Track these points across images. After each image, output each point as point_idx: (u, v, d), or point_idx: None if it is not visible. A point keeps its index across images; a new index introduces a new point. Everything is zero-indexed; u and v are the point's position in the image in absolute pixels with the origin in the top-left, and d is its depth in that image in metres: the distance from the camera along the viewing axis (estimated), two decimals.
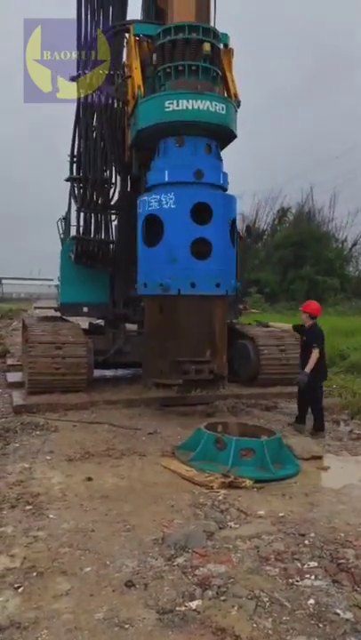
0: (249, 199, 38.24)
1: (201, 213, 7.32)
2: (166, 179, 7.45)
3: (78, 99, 9.11)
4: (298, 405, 7.40)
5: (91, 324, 11.86)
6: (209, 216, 7.35)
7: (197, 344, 7.49)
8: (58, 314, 10.73)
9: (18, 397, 8.29)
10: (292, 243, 33.85)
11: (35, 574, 3.38)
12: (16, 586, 3.25)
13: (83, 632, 2.82)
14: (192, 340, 7.47)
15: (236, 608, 3.03)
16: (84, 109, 9.08)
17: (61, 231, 11.21)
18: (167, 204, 7.24)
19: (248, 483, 5.04)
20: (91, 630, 2.84)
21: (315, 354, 6.93)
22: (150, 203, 7.46)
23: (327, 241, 36.31)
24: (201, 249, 7.34)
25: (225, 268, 7.56)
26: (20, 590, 3.21)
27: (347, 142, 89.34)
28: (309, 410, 7.22)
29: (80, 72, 9.10)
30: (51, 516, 4.26)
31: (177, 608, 3.04)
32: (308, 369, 6.91)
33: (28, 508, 4.41)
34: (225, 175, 7.81)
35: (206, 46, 7.38)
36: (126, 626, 2.88)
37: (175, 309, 7.48)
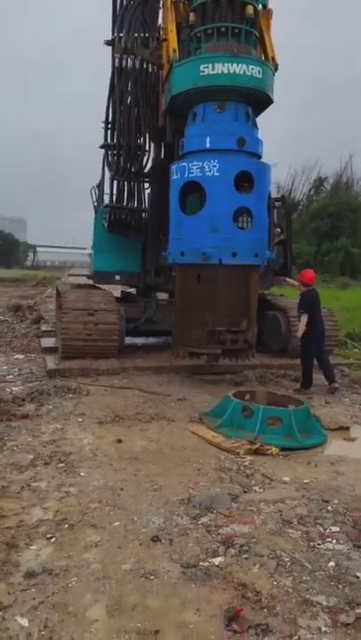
0: (285, 168, 37.38)
1: (241, 182, 7.24)
2: (208, 145, 7.29)
3: (113, 63, 9.00)
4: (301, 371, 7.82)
5: (123, 291, 12.01)
6: (250, 185, 7.26)
7: (234, 314, 7.50)
8: (91, 281, 10.89)
9: (51, 362, 8.52)
10: (329, 213, 33.03)
11: (66, 526, 3.56)
12: (48, 536, 3.44)
13: (110, 581, 2.98)
14: (230, 309, 7.46)
15: (257, 566, 3.14)
16: (119, 74, 8.97)
17: (95, 199, 11.26)
18: (210, 171, 7.11)
19: (274, 450, 5.11)
20: (118, 580, 2.99)
21: (303, 319, 7.40)
22: (191, 169, 7.30)
23: None
24: (243, 218, 7.31)
25: (263, 237, 7.53)
26: (52, 540, 3.39)
27: None
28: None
29: (115, 36, 8.97)
30: (82, 473, 4.44)
31: (200, 563, 3.16)
32: (298, 334, 7.52)
33: (61, 465, 4.60)
34: (261, 143, 7.67)
35: (249, 9, 7.17)
36: (152, 577, 3.02)
37: (214, 279, 7.40)
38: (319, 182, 38.01)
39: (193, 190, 7.72)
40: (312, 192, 38.24)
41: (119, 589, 2.90)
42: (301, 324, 7.38)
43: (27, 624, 2.61)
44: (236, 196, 7.18)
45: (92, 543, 3.37)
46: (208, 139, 7.30)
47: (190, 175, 7.34)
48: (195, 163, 7.27)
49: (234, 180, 7.12)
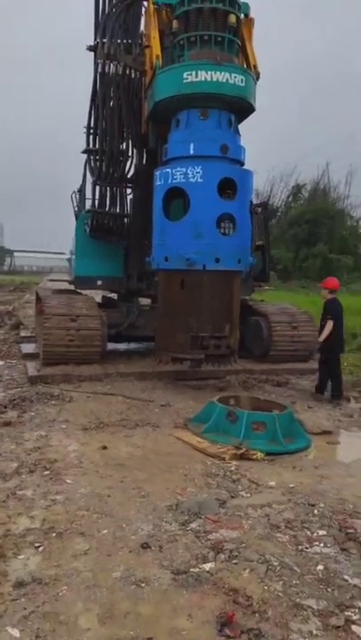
0: (263, 175, 37.83)
1: (224, 188, 7.30)
2: (191, 151, 7.35)
3: (95, 69, 9.00)
4: (318, 376, 7.88)
5: (104, 297, 11.97)
6: (232, 191, 7.33)
7: (217, 319, 7.52)
8: (71, 287, 10.82)
9: (32, 368, 8.44)
10: (306, 220, 33.57)
11: (54, 535, 3.52)
12: (36, 545, 3.40)
13: (101, 589, 2.96)
14: (213, 315, 7.49)
15: (247, 571, 3.15)
16: (102, 80, 8.97)
17: (75, 204, 11.22)
18: (194, 177, 7.17)
19: (259, 455, 5.14)
20: (109, 588, 2.97)
21: (328, 325, 7.39)
22: (174, 175, 7.34)
23: (342, 219, 35.97)
24: (225, 224, 7.36)
25: (245, 244, 7.60)
26: (40, 549, 3.35)
27: None
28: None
29: (97, 41, 8.98)
30: (68, 481, 4.40)
31: (191, 569, 3.16)
32: (321, 338, 7.43)
33: (46, 473, 4.56)
34: (244, 150, 7.76)
35: (232, 18, 7.26)
36: (143, 584, 3.01)
37: (198, 284, 7.44)
38: (297, 189, 38.55)
39: (176, 196, 7.76)
40: (290, 199, 38.74)
41: (110, 597, 2.89)
42: (326, 330, 7.41)
43: (18, 634, 2.57)
44: (219, 202, 7.24)
45: (80, 551, 3.34)
46: (192, 145, 7.35)
47: (174, 181, 7.37)
48: (178, 169, 7.30)
49: (217, 186, 7.17)
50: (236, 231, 7.45)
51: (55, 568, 3.14)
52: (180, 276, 7.53)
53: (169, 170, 7.43)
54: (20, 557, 3.25)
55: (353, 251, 33.59)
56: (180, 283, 7.53)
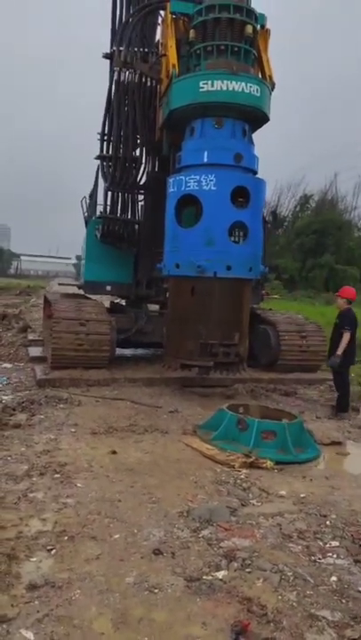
0: (271, 184, 37.93)
1: (237, 197, 7.33)
2: (205, 159, 7.39)
3: (111, 76, 9.08)
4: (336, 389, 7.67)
5: (112, 302, 12.00)
6: (245, 200, 7.36)
7: (227, 327, 7.51)
8: (80, 291, 10.85)
9: (41, 371, 8.44)
10: (313, 230, 33.59)
11: (66, 538, 3.51)
12: (49, 548, 3.39)
13: (114, 594, 2.94)
14: (223, 323, 7.49)
15: (261, 580, 3.14)
16: (117, 87, 9.04)
17: (85, 210, 11.28)
18: (207, 185, 7.19)
19: (269, 464, 5.13)
20: (122, 593, 2.96)
21: (346, 336, 7.20)
22: (188, 182, 7.37)
23: (349, 229, 36.01)
24: (237, 232, 7.40)
25: (257, 252, 7.62)
26: (52, 552, 3.34)
27: None
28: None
29: (114, 49, 9.06)
30: (78, 484, 4.40)
31: (204, 577, 3.15)
32: (339, 351, 7.17)
33: (57, 476, 4.55)
34: (257, 159, 7.79)
35: (248, 28, 7.32)
36: (156, 590, 2.99)
37: (208, 292, 7.44)
38: (305, 199, 38.63)
39: (189, 204, 7.79)
40: (298, 209, 38.81)
41: (124, 602, 2.87)
42: (344, 341, 7.21)
43: (32, 637, 2.56)
44: (232, 210, 7.27)
45: (93, 555, 3.33)
46: (206, 153, 7.40)
47: (187, 188, 7.41)
48: (192, 176, 7.33)
49: (230, 194, 7.20)
50: (248, 239, 7.47)
51: (68, 571, 3.13)
52: (190, 283, 7.53)
53: (183, 177, 7.46)
54: (32, 560, 3.24)
55: (359, 262, 33.57)
56: (191, 290, 7.53)
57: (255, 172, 7.79)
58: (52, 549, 3.37)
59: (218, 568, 3.25)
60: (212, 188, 7.20)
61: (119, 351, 9.73)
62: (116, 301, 12.11)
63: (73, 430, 5.90)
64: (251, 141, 7.84)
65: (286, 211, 39.35)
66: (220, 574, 3.18)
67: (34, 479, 4.46)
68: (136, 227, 9.69)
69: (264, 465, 5.11)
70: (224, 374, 8.08)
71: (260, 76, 7.92)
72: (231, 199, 7.24)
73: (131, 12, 9.28)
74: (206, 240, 7.25)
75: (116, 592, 2.97)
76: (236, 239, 7.80)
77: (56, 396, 7.21)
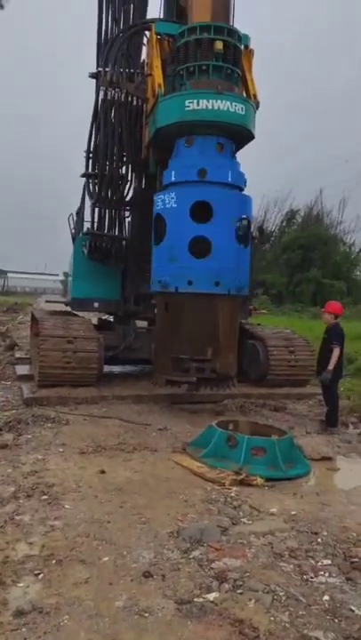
0: (258, 200, 38.31)
1: (205, 212, 7.35)
2: (173, 179, 7.61)
3: (97, 95, 9.17)
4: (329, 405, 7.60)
5: (100, 319, 11.95)
6: (209, 214, 7.38)
7: (198, 342, 7.49)
8: (67, 308, 10.80)
9: (27, 390, 8.35)
10: (300, 245, 33.90)
11: (54, 562, 3.44)
12: (36, 572, 3.31)
13: (104, 619, 2.88)
14: (193, 337, 7.51)
15: (253, 601, 3.09)
16: (103, 106, 9.12)
17: (72, 226, 11.28)
18: (169, 203, 7.42)
19: (259, 481, 5.09)
20: (111, 617, 2.89)
21: (335, 352, 7.18)
22: (157, 202, 7.73)
23: (335, 244, 36.36)
24: (201, 247, 7.37)
25: (226, 266, 7.42)
26: (40, 577, 3.27)
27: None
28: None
29: (100, 69, 9.15)
30: (66, 506, 4.32)
31: (195, 599, 3.09)
32: (330, 367, 7.13)
33: (44, 497, 4.47)
34: (240, 174, 7.77)
35: (218, 44, 7.41)
36: (146, 614, 2.93)
37: (178, 307, 7.60)
38: (291, 215, 39.02)
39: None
40: (284, 224, 39.18)
41: (114, 627, 2.81)
42: (334, 357, 7.17)
43: None
44: (192, 225, 7.32)
45: (81, 579, 3.26)
46: (173, 173, 7.65)
47: (157, 208, 7.76)
48: (160, 196, 7.69)
49: (190, 210, 7.27)
50: (213, 254, 7.35)
51: (56, 596, 3.06)
52: (164, 299, 7.74)
53: (156, 197, 7.81)
54: (19, 585, 3.16)
55: (346, 276, 33.91)
56: (165, 305, 7.64)
57: (238, 187, 7.77)
58: (39, 574, 3.30)
59: (209, 590, 3.20)
60: (173, 205, 7.40)
61: (107, 368, 9.66)
62: (103, 318, 12.06)
63: (61, 450, 5.82)
64: (231, 156, 7.83)
65: (273, 226, 39.69)
66: (212, 596, 3.13)
67: (20, 501, 4.38)
68: (123, 243, 9.71)
69: (254, 482, 5.06)
70: (214, 390, 8.05)
71: (244, 95, 8.04)
72: (194, 215, 7.28)
73: (116, 32, 9.40)
74: (169, 256, 7.43)
75: (106, 617, 2.90)
76: (201, 254, 7.70)
77: (43, 415, 7.12)
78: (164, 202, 7.50)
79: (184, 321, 7.56)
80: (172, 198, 7.38)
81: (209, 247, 7.36)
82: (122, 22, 9.64)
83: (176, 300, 7.56)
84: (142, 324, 10.83)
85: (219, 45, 7.47)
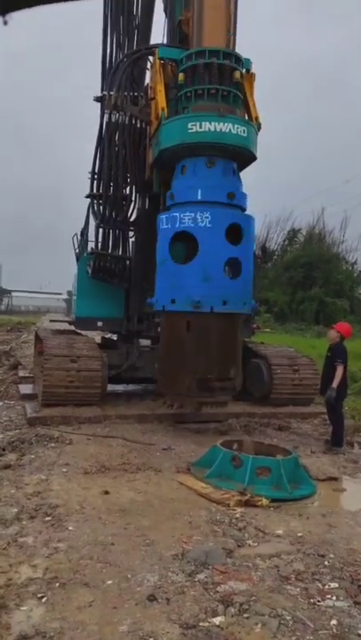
0: (260, 219, 38.53)
1: (230, 234, 7.45)
2: (199, 197, 7.55)
3: (102, 118, 9.32)
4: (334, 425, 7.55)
5: (103, 338, 11.96)
6: (238, 236, 7.48)
7: (224, 362, 7.56)
8: (70, 327, 10.82)
9: (31, 409, 8.34)
10: (302, 264, 33.97)
11: (57, 585, 3.40)
12: (39, 596, 3.27)
13: None
14: (219, 358, 7.53)
15: (259, 625, 3.04)
16: (107, 128, 9.27)
17: (77, 246, 11.38)
18: (202, 222, 7.32)
19: (264, 501, 5.04)
20: None
21: (339, 370, 7.19)
22: (183, 219, 7.49)
23: (337, 263, 36.36)
24: (233, 268, 7.51)
25: (249, 287, 7.74)
26: (43, 600, 3.23)
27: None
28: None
29: (105, 93, 9.33)
30: (70, 527, 4.29)
31: (200, 623, 3.04)
32: (334, 384, 7.13)
33: (47, 519, 4.44)
34: (246, 196, 7.96)
35: (237, 74, 7.63)
36: (150, 639, 2.89)
37: (205, 327, 7.48)
38: (293, 234, 39.19)
39: (177, 240, 7.88)
40: (286, 243, 39.33)
41: None
42: (338, 375, 7.20)
43: None
44: (228, 247, 7.38)
45: (85, 603, 3.22)
46: (200, 191, 7.57)
47: (182, 225, 7.52)
48: (187, 213, 7.46)
49: (225, 231, 7.33)
50: (242, 275, 7.56)
51: (60, 620, 3.02)
52: (186, 318, 7.56)
53: (176, 214, 7.59)
54: (22, 609, 3.13)
55: (348, 294, 33.89)
56: (187, 324, 7.56)
57: (244, 209, 7.94)
58: (42, 597, 3.26)
59: (214, 614, 3.15)
60: (208, 225, 7.33)
61: (111, 387, 9.64)
62: (107, 336, 12.08)
63: (64, 470, 5.79)
64: (240, 179, 8.02)
65: (275, 245, 39.83)
66: (217, 620, 3.08)
67: (24, 522, 4.34)
68: (127, 262, 9.78)
69: (259, 503, 5.02)
70: (214, 408, 8.06)
71: (246, 117, 8.16)
72: (226, 236, 7.36)
73: (121, 57, 9.60)
74: (203, 276, 7.34)
75: None
76: (232, 275, 7.85)
77: (47, 435, 7.10)
78: (196, 220, 7.36)
79: (210, 341, 7.48)
80: (207, 217, 7.32)
81: (239, 268, 7.54)
82: (126, 48, 9.84)
83: (202, 319, 7.44)
84: (145, 342, 10.83)
85: (237, 75, 7.66)
